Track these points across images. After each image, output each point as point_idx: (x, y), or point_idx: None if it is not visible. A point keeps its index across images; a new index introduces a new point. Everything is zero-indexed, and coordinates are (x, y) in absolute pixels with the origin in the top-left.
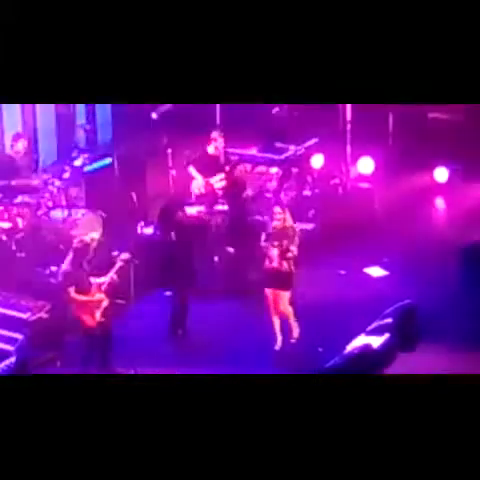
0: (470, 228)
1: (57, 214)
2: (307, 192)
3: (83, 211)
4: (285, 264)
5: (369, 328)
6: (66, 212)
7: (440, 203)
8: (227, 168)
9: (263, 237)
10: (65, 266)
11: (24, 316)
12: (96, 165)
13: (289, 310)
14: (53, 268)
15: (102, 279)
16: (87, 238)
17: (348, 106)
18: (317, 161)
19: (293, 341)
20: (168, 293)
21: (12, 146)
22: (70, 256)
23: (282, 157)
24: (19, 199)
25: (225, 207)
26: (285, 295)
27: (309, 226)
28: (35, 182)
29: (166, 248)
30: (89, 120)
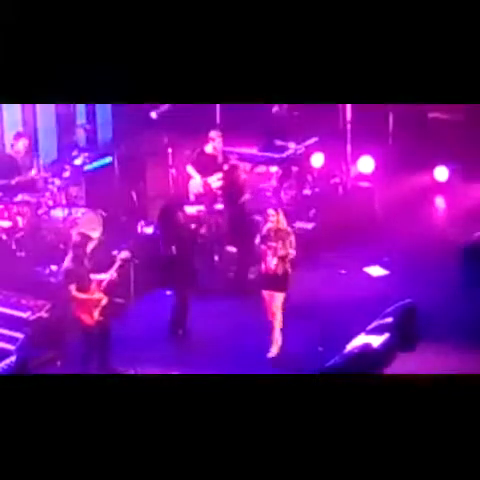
0: (470, 227)
1: (57, 213)
2: (307, 191)
3: (83, 210)
4: (280, 266)
5: (369, 327)
6: (66, 211)
7: (440, 202)
8: (225, 167)
9: (257, 239)
10: (66, 263)
11: (24, 315)
12: (96, 164)
13: (279, 315)
14: (53, 267)
15: (102, 276)
16: (86, 231)
17: (348, 105)
18: (317, 160)
19: (271, 355)
20: (168, 293)
21: (12, 145)
22: (71, 253)
23: (282, 156)
24: (19, 198)
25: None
26: (279, 296)
27: (309, 225)
28: (35, 180)
29: (166, 247)
30: (89, 119)
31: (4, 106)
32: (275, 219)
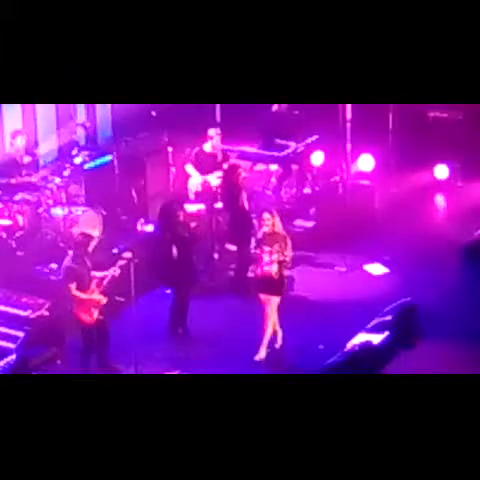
0: (470, 225)
1: (57, 212)
2: (307, 189)
3: (83, 209)
4: (276, 269)
5: (369, 325)
6: (66, 210)
7: (440, 200)
8: (224, 166)
9: (253, 243)
10: (66, 262)
11: (25, 314)
12: (96, 163)
13: (274, 318)
14: (53, 265)
15: (105, 272)
16: (86, 230)
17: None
18: (317, 158)
19: (258, 359)
20: (168, 291)
21: (11, 144)
22: (72, 252)
23: (282, 154)
24: (19, 196)
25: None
26: (275, 300)
27: (309, 223)
28: (35, 179)
29: (166, 246)
30: (89, 118)
31: (4, 106)
32: (271, 223)
